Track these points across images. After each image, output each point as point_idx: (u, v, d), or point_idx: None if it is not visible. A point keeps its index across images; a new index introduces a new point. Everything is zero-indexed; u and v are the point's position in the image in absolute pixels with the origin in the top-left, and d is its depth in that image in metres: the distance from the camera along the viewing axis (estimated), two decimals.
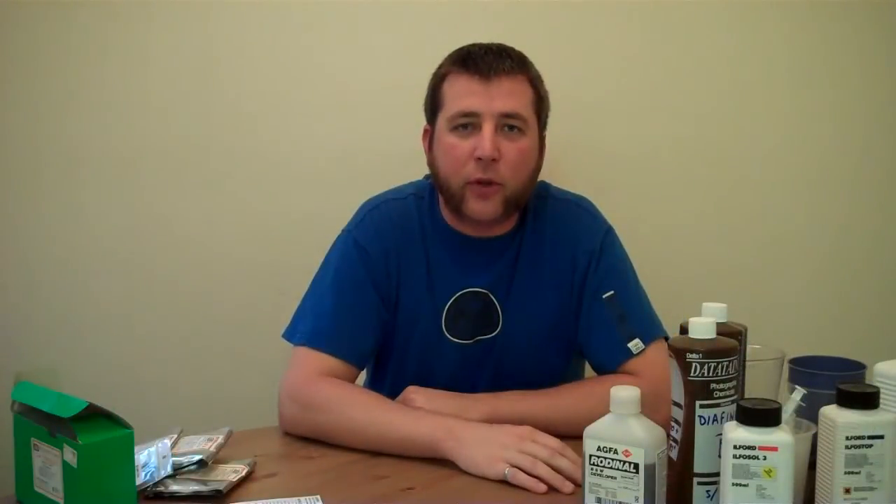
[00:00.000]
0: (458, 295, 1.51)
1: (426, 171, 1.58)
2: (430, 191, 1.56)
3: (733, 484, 0.97)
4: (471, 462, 1.25)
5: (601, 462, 1.03)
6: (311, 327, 1.47)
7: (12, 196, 1.81)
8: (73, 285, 1.84)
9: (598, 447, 1.04)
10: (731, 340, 1.07)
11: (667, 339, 1.46)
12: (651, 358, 1.45)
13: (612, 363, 1.48)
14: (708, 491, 1.05)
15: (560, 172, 1.68)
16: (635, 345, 1.46)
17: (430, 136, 1.52)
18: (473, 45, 1.49)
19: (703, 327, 1.06)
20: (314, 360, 1.44)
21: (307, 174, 1.87)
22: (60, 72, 1.79)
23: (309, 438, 1.39)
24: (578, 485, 1.17)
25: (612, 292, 1.49)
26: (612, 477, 1.03)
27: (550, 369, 1.53)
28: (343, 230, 1.55)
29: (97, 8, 1.79)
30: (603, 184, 1.76)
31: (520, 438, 1.26)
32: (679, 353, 1.05)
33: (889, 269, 1.97)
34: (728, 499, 0.98)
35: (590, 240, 1.52)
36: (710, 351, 1.04)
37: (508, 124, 1.44)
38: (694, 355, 1.04)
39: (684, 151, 1.93)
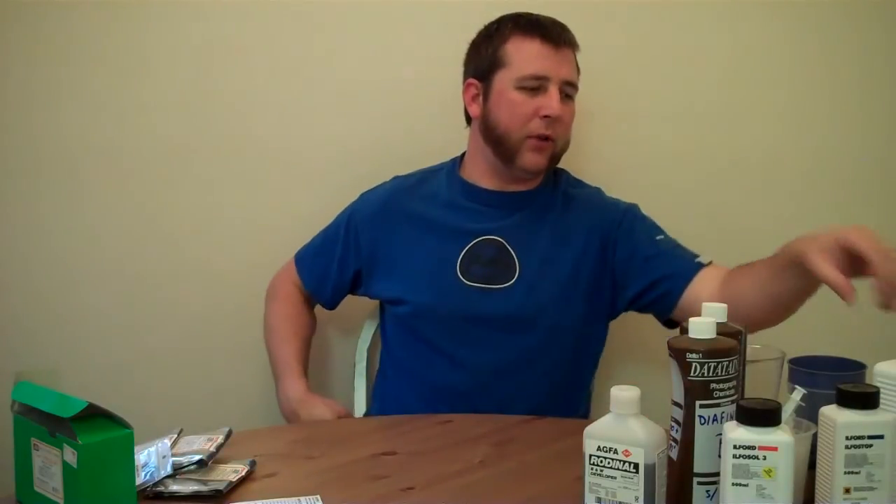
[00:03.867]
0: (473, 242, 1.60)
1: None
2: (453, 162, 1.72)
3: (733, 484, 0.97)
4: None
5: (601, 462, 1.03)
6: (302, 251, 1.78)
7: (11, 196, 1.81)
8: (73, 285, 1.84)
9: (598, 447, 1.03)
10: (731, 340, 1.07)
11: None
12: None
13: (688, 275, 1.56)
14: (708, 491, 1.05)
15: None
16: (702, 259, 1.57)
17: (479, 91, 1.63)
18: (531, 15, 1.62)
19: (703, 327, 1.06)
20: (290, 271, 1.79)
21: (307, 174, 1.88)
22: (58, 71, 1.79)
23: (309, 438, 1.40)
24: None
25: (662, 236, 1.63)
26: (612, 477, 1.03)
27: (572, 314, 1.61)
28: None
29: (95, 7, 1.79)
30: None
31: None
32: (679, 353, 1.05)
33: None
34: (728, 499, 0.98)
35: (616, 207, 1.67)
36: (710, 351, 1.04)
37: (566, 91, 1.60)
38: (694, 355, 1.04)
39: (683, 152, 1.93)
